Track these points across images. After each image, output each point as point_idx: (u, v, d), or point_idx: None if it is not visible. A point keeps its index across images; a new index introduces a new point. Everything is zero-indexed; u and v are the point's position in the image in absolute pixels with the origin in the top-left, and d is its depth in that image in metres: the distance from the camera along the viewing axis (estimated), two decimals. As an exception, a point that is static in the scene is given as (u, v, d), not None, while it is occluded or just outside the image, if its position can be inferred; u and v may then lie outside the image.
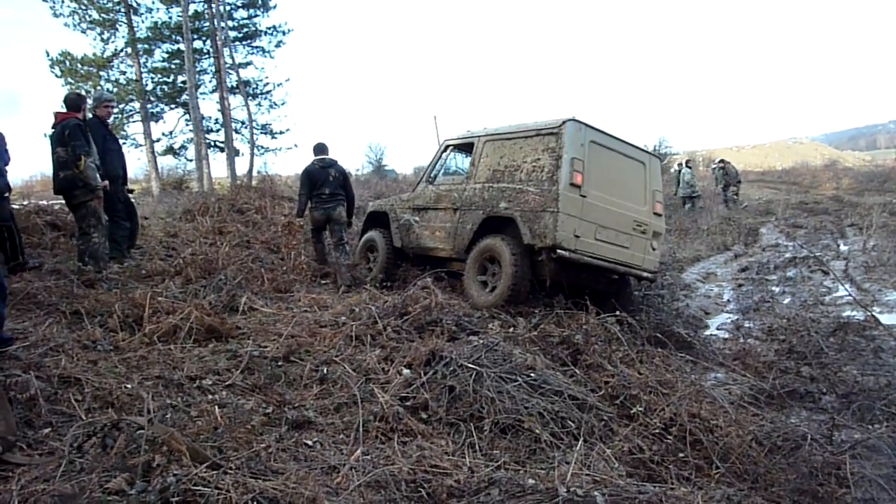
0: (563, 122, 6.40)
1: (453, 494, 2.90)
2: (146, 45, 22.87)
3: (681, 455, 3.59)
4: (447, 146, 8.03)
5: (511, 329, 5.21)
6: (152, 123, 23.28)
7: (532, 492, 2.81)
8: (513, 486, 2.88)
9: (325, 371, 4.17)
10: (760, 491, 3.29)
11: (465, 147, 7.76)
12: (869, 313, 6.67)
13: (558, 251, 6.14)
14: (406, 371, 4.17)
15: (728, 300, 9.29)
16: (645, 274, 7.02)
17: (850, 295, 7.92)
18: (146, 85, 22.86)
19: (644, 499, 2.81)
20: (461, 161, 8.09)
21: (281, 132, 24.72)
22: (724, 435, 3.76)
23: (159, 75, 23.39)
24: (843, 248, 12.02)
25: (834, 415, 4.39)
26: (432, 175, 8.05)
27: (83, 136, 6.15)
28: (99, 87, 20.45)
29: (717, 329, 7.72)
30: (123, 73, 22.86)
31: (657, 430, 3.81)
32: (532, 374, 4.03)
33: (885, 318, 7.17)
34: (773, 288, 9.56)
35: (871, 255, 10.87)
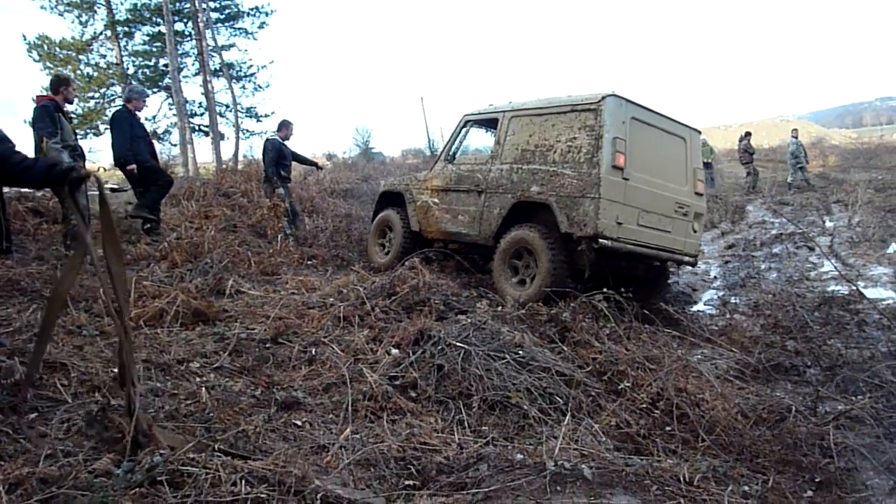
0: (603, 98, 5.89)
1: (442, 471, 2.92)
2: (126, 28, 22.53)
3: (667, 428, 3.62)
4: (467, 121, 7.44)
5: (499, 308, 5.22)
6: (135, 108, 22.98)
7: (520, 466, 2.83)
8: (501, 461, 2.90)
9: (313, 352, 4.17)
10: (746, 462, 3.33)
11: (488, 123, 7.24)
12: (853, 287, 6.74)
13: (600, 241, 5.66)
14: (395, 351, 4.18)
15: (715, 277, 9.35)
16: (686, 259, 6.60)
17: (835, 270, 8.00)
18: (127, 68, 22.55)
19: (631, 471, 2.84)
20: (483, 138, 7.67)
21: (266, 115, 24.55)
22: (711, 408, 3.80)
23: (140, 58, 23.09)
24: (828, 224, 12.13)
25: (818, 387, 4.44)
26: (451, 153, 7.46)
27: (49, 117, 6.01)
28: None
29: (705, 305, 7.78)
30: (103, 56, 22.58)
31: (644, 405, 3.84)
32: (520, 352, 4.04)
33: (869, 292, 7.26)
34: (760, 264, 9.63)
35: (856, 230, 10.98)
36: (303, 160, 9.98)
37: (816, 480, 3.21)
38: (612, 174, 5.72)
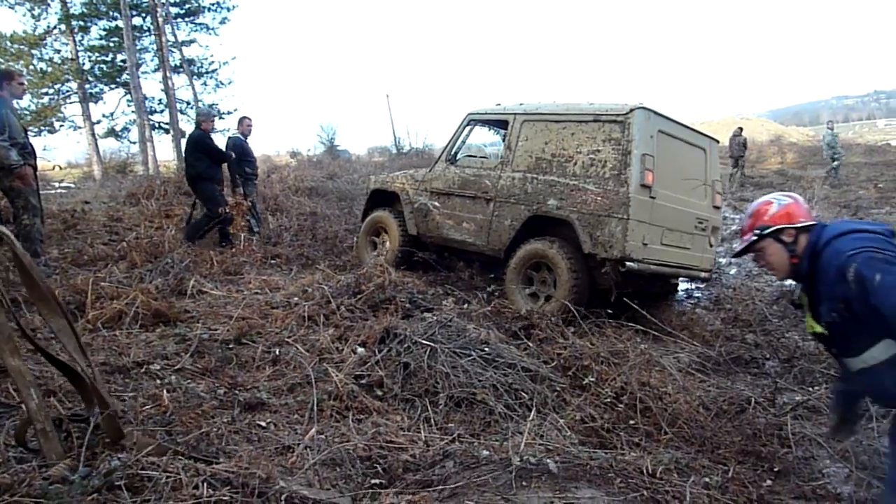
0: (632, 110, 5.57)
1: (409, 468, 2.92)
2: (81, 22, 21.86)
3: (631, 422, 3.67)
4: (471, 120, 6.93)
5: (465, 305, 5.23)
6: (91, 104, 22.39)
7: (486, 462, 2.84)
8: (467, 457, 2.91)
9: (277, 352, 4.12)
10: (707, 453, 3.39)
11: (495, 124, 6.91)
12: (809, 281, 6.91)
13: (627, 263, 5.40)
14: (360, 349, 4.15)
15: (677, 272, 9.49)
16: (703, 274, 6.45)
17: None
18: (83, 64, 21.94)
19: (595, 465, 2.87)
20: (490, 140, 7.36)
21: (228, 112, 24.10)
22: (673, 401, 3.87)
23: (97, 54, 22.43)
24: (786, 219, 12.39)
25: (776, 379, 4.56)
26: (453, 153, 6.94)
27: None
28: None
29: (668, 300, 7.88)
30: (58, 51, 21.88)
31: (609, 399, 3.89)
32: (486, 349, 4.05)
33: (824, 286, 7.45)
34: (720, 259, 9.82)
35: (812, 225, 11.27)
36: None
37: (775, 470, 3.29)
38: (640, 193, 5.44)
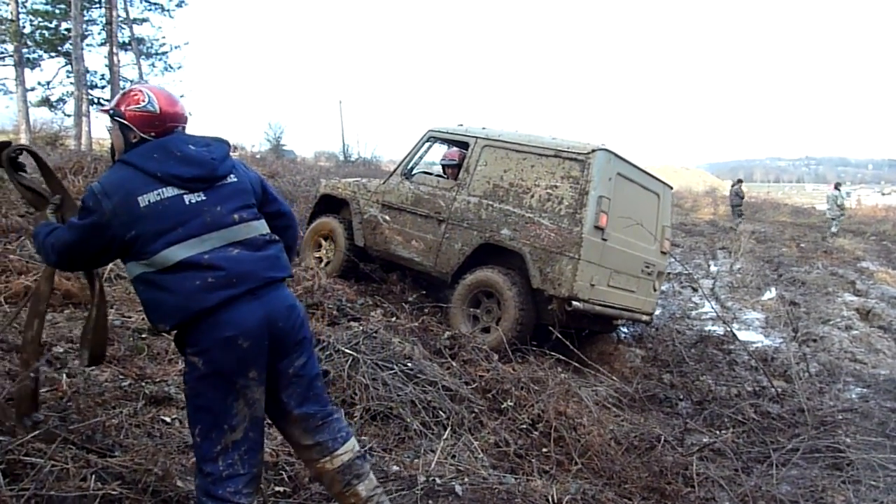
0: (593, 151, 5.54)
1: (315, 478, 2.84)
2: (26, -16, 20.89)
3: (544, 449, 3.69)
4: (430, 137, 6.78)
5: (393, 318, 5.18)
6: (27, 70, 21.30)
7: (394, 478, 2.80)
8: (376, 472, 2.84)
9: (192, 347, 3.96)
10: (614, 487, 3.43)
11: (455, 144, 6.74)
12: (728, 329, 7.21)
13: (574, 303, 5.41)
14: (280, 353, 4.04)
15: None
16: (644, 318, 6.53)
17: (713, 311, 8.51)
18: (23, 27, 20.87)
19: (503, 489, 2.86)
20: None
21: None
22: (587, 433, 3.90)
23: (40, 18, 21.40)
24: (712, 268, 12.91)
25: (687, 419, 4.68)
26: (409, 168, 6.77)
27: None
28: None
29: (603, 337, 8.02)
30: (-4, 9, 20.76)
31: (524, 425, 3.91)
32: (409, 364, 4.02)
33: (742, 335, 7.79)
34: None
35: (736, 276, 11.78)
36: None
37: (677, 508, 3.36)
38: (593, 235, 5.45)
